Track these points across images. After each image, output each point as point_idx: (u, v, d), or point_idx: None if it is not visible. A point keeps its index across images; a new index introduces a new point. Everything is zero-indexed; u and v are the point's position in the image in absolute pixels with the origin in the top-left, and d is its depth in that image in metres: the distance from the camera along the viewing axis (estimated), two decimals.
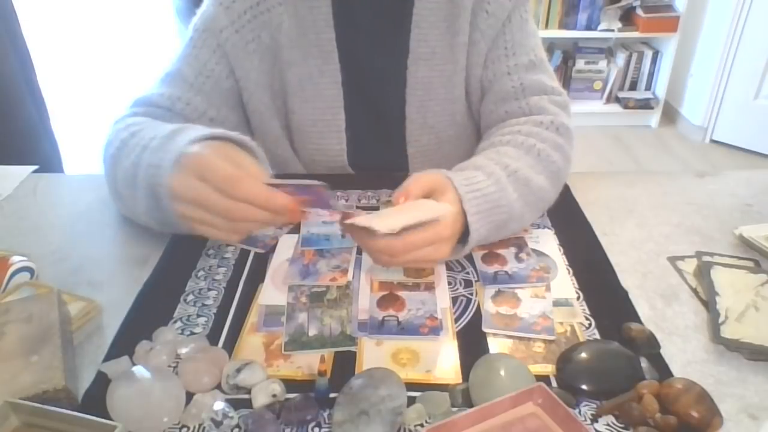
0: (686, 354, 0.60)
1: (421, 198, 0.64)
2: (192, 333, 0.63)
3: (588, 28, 3.15)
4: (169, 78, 0.84)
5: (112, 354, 0.60)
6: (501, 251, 0.74)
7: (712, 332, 0.62)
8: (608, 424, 0.52)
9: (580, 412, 0.54)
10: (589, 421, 0.53)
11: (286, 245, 0.76)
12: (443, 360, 0.59)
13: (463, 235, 0.67)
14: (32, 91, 1.76)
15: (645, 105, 3.26)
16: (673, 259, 0.74)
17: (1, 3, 1.64)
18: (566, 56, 3.30)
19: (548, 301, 0.67)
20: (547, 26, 3.16)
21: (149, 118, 0.77)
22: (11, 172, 0.96)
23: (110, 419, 0.50)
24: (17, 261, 0.69)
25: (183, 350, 0.60)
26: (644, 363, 0.58)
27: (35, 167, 0.98)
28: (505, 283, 0.69)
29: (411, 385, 0.55)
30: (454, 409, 0.54)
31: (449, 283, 0.70)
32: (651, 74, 3.28)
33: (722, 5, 2.85)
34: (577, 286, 0.69)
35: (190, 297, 0.68)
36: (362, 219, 0.58)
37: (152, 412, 0.52)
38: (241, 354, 0.60)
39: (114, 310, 0.66)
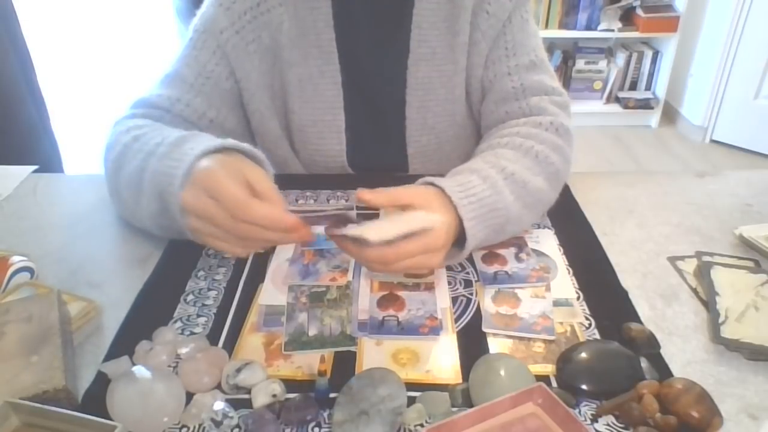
0: (686, 354, 0.60)
1: (407, 205, 0.64)
2: (192, 333, 0.63)
3: (588, 28, 3.15)
4: (169, 79, 0.84)
5: (112, 354, 0.60)
6: (501, 251, 0.74)
7: (712, 332, 0.62)
8: (608, 424, 0.52)
9: (580, 412, 0.54)
10: (589, 421, 0.53)
11: (286, 245, 0.76)
12: (443, 360, 0.59)
13: (461, 240, 0.67)
14: (32, 91, 1.76)
15: (645, 105, 3.26)
16: (673, 259, 0.74)
17: (1, 3, 1.64)
18: (566, 56, 3.30)
19: (548, 301, 0.67)
20: (547, 26, 3.16)
21: (150, 121, 0.77)
22: (11, 172, 0.96)
23: (110, 419, 0.50)
24: (17, 261, 0.69)
25: (183, 350, 0.60)
26: (644, 363, 0.58)
27: (35, 167, 0.98)
28: (505, 283, 0.69)
29: (411, 385, 0.55)
30: (454, 409, 0.54)
31: (449, 283, 0.70)
32: (651, 74, 3.28)
33: (722, 5, 2.86)
34: (577, 286, 0.69)
35: (190, 297, 0.68)
36: (353, 230, 0.58)
37: (152, 412, 0.52)
38: (241, 354, 0.60)
39: (114, 310, 0.66)
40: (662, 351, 0.60)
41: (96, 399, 0.54)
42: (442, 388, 0.56)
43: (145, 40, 3.16)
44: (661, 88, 3.24)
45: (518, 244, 0.76)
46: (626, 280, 0.70)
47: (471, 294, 0.68)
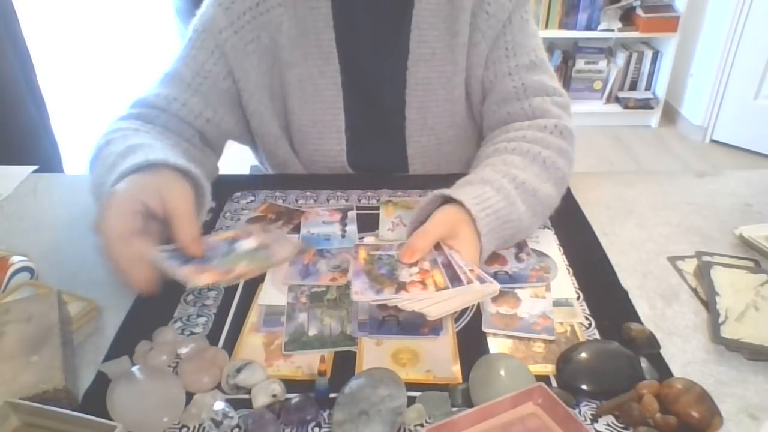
0: (686, 354, 0.60)
1: (441, 235, 0.65)
2: (192, 333, 0.63)
3: (588, 28, 3.15)
4: (168, 78, 0.84)
5: (112, 354, 0.60)
6: (501, 251, 0.74)
7: (712, 332, 0.62)
8: (608, 424, 0.52)
9: (580, 412, 0.54)
10: (589, 421, 0.53)
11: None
12: (443, 360, 0.59)
13: None
14: (32, 91, 1.76)
15: (645, 105, 3.26)
16: (673, 259, 0.74)
17: (1, 3, 1.64)
18: (566, 56, 3.30)
19: (548, 301, 0.67)
20: (547, 26, 3.16)
21: (135, 125, 0.78)
22: (11, 172, 0.96)
23: (110, 419, 0.50)
24: (17, 261, 0.69)
25: (183, 350, 0.60)
26: (644, 363, 0.58)
27: (35, 167, 0.98)
28: (505, 283, 0.69)
29: (411, 385, 0.55)
30: (454, 409, 0.54)
31: None
32: (651, 74, 3.28)
33: (722, 5, 2.85)
34: (577, 286, 0.69)
35: (190, 297, 0.68)
36: (410, 304, 0.57)
37: (152, 412, 0.52)
38: (241, 354, 0.60)
39: (114, 310, 0.66)
40: (662, 351, 0.60)
41: (96, 399, 0.54)
42: (442, 388, 0.56)
43: (145, 40, 3.16)
44: (661, 88, 3.24)
45: (518, 244, 0.75)
46: (626, 280, 0.70)
47: None
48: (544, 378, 0.56)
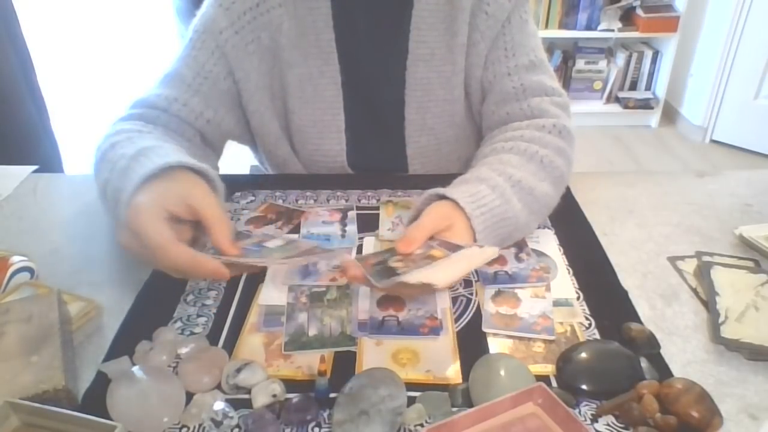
0: (686, 354, 0.60)
1: (436, 228, 0.65)
2: (192, 333, 0.63)
3: (588, 28, 3.15)
4: (168, 79, 0.84)
5: (112, 354, 0.60)
6: (501, 251, 0.74)
7: (712, 332, 0.62)
8: (608, 424, 0.52)
9: (580, 412, 0.54)
10: (589, 421, 0.53)
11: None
12: (443, 360, 0.59)
13: None
14: (32, 91, 1.76)
15: (645, 105, 3.26)
16: (673, 259, 0.74)
17: (1, 3, 1.64)
18: (566, 56, 3.30)
19: (548, 301, 0.67)
20: (547, 26, 3.16)
21: (138, 126, 0.77)
22: (11, 172, 0.96)
23: (110, 419, 0.50)
24: (17, 261, 0.69)
25: (183, 350, 0.60)
26: (644, 363, 0.58)
27: (35, 167, 0.98)
28: (505, 283, 0.69)
29: (411, 385, 0.55)
30: (454, 409, 0.54)
31: None
32: (651, 74, 3.28)
33: (722, 5, 2.85)
34: (577, 286, 0.69)
35: (190, 297, 0.68)
36: (416, 276, 0.56)
37: (152, 412, 0.52)
38: (241, 354, 0.60)
39: (114, 310, 0.66)
40: (662, 351, 0.60)
41: (96, 399, 0.54)
42: (442, 388, 0.56)
43: (145, 40, 3.16)
44: (661, 88, 3.24)
45: (518, 244, 0.76)
46: (626, 280, 0.70)
47: (471, 294, 0.68)
48: (544, 378, 0.56)
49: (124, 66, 3.13)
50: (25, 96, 1.72)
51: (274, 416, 0.52)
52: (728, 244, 0.77)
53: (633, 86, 3.33)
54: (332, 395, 0.54)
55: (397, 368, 0.58)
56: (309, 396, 0.54)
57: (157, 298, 0.68)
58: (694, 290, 0.69)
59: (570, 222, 0.81)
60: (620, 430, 0.52)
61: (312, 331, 0.63)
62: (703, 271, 0.70)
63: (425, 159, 0.95)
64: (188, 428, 0.52)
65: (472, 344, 0.61)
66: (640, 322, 0.64)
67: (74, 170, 2.06)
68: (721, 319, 0.62)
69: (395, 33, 0.87)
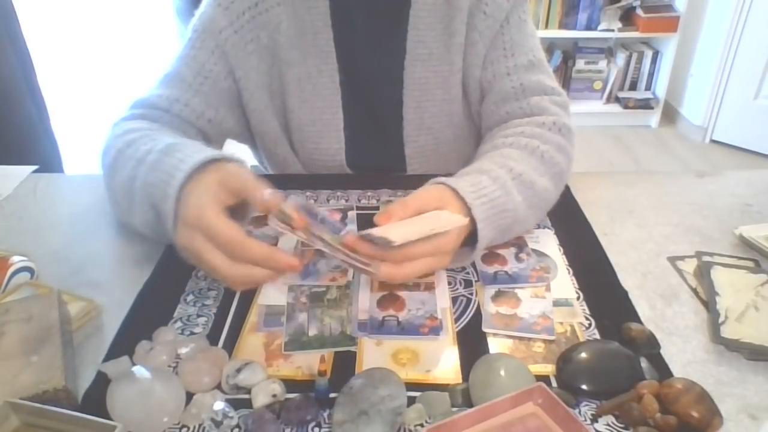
0: (686, 354, 0.60)
1: (421, 207, 0.63)
2: (192, 333, 0.63)
3: (588, 28, 3.15)
4: (168, 79, 0.84)
5: (112, 354, 0.60)
6: (501, 251, 0.74)
7: (712, 332, 0.62)
8: (608, 424, 0.52)
9: (580, 412, 0.54)
10: (589, 421, 0.53)
11: (286, 245, 0.76)
12: (443, 360, 0.59)
13: (468, 241, 0.67)
14: (32, 91, 1.76)
15: (645, 105, 3.26)
16: (673, 259, 0.74)
17: (1, 3, 1.64)
18: (566, 56, 3.30)
19: (548, 301, 0.67)
20: (547, 26, 3.16)
21: (147, 123, 0.77)
22: (11, 172, 0.96)
23: (110, 419, 0.50)
24: (17, 261, 0.69)
25: (183, 350, 0.60)
26: (644, 363, 0.58)
27: (35, 167, 0.98)
28: (505, 283, 0.69)
29: (411, 385, 0.55)
30: (454, 409, 0.54)
31: (449, 283, 0.70)
32: (651, 74, 3.28)
33: (722, 5, 2.85)
34: (577, 286, 0.69)
35: (190, 297, 0.68)
36: (376, 230, 0.57)
37: (152, 412, 0.52)
38: (241, 354, 0.60)
39: (114, 310, 0.66)
40: (662, 351, 0.60)
41: (96, 399, 0.54)
42: (442, 388, 0.56)
43: (145, 40, 3.16)
44: (661, 88, 3.24)
45: (518, 244, 0.76)
46: (626, 280, 0.70)
47: (471, 294, 0.68)
48: (544, 378, 0.56)
49: (124, 66, 3.13)
50: (25, 96, 1.72)
51: (274, 416, 0.52)
52: (728, 244, 0.77)
53: (633, 86, 3.34)
54: (332, 395, 0.54)
55: (397, 368, 0.58)
56: (309, 396, 0.54)
57: (157, 298, 0.68)
58: (694, 290, 0.69)
59: (570, 222, 0.81)
60: (620, 430, 0.52)
61: (312, 331, 0.63)
62: (703, 271, 0.70)
63: (424, 159, 0.95)
64: (188, 428, 0.52)
65: (472, 344, 0.61)
66: (640, 322, 0.64)
67: (74, 170, 2.07)
68: (721, 319, 0.62)
69: (393, 33, 0.87)
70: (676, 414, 0.51)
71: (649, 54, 3.23)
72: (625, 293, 0.68)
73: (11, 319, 0.58)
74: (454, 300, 0.67)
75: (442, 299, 0.67)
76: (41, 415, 0.49)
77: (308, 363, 0.59)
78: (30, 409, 0.49)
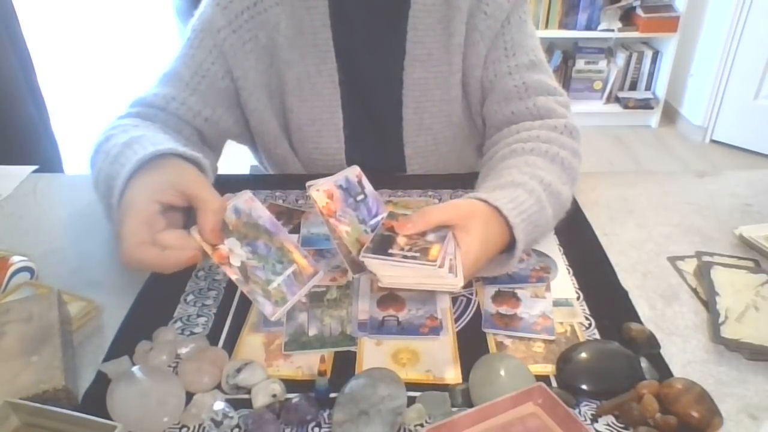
0: (686, 354, 0.60)
1: (444, 220, 0.61)
2: (192, 333, 0.63)
3: (588, 28, 3.15)
4: (166, 78, 0.85)
5: (112, 354, 0.60)
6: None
7: (712, 332, 0.62)
8: (608, 424, 0.52)
9: (580, 412, 0.54)
10: (589, 421, 0.53)
11: None
12: (443, 360, 0.59)
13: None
14: (32, 91, 1.76)
15: (645, 105, 3.26)
16: (673, 259, 0.74)
17: (1, 3, 1.64)
18: (566, 56, 3.30)
19: (548, 301, 0.67)
20: (547, 26, 3.16)
21: (139, 120, 0.77)
22: (11, 172, 0.96)
23: (110, 419, 0.50)
24: (17, 261, 0.70)
25: (183, 350, 0.60)
26: (644, 363, 0.58)
27: (35, 167, 0.98)
28: (505, 283, 0.69)
29: (411, 385, 0.55)
30: (454, 409, 0.54)
31: None
32: (651, 74, 3.28)
33: (722, 5, 2.85)
34: (577, 286, 0.69)
35: (190, 297, 0.68)
36: (373, 263, 0.56)
37: (152, 412, 0.52)
38: (241, 354, 0.60)
39: (114, 310, 0.66)
40: (662, 351, 0.60)
41: (96, 399, 0.54)
42: (442, 388, 0.56)
43: (145, 40, 3.16)
44: (661, 88, 3.24)
45: None
46: (626, 280, 0.70)
47: (471, 294, 0.68)
48: (544, 378, 0.56)
49: (123, 66, 3.13)
50: (25, 96, 1.72)
51: (274, 416, 0.52)
52: (728, 244, 0.77)
53: (633, 86, 3.34)
54: (332, 395, 0.54)
55: (397, 368, 0.58)
56: (309, 396, 0.54)
57: (157, 298, 0.68)
58: (694, 290, 0.69)
59: (570, 222, 0.81)
60: (620, 430, 0.52)
61: (312, 331, 0.63)
62: (703, 271, 0.70)
63: (423, 159, 0.95)
64: (188, 428, 0.52)
65: (472, 344, 0.61)
66: (640, 322, 0.64)
67: (74, 170, 2.06)
68: (721, 319, 0.62)
69: (392, 33, 0.87)
70: (676, 414, 0.51)
71: (649, 54, 3.23)
72: (625, 293, 0.68)
73: (11, 319, 0.58)
74: (454, 300, 0.67)
75: (442, 299, 0.67)
76: (41, 415, 0.49)
77: (308, 363, 0.59)
78: (30, 409, 0.49)
